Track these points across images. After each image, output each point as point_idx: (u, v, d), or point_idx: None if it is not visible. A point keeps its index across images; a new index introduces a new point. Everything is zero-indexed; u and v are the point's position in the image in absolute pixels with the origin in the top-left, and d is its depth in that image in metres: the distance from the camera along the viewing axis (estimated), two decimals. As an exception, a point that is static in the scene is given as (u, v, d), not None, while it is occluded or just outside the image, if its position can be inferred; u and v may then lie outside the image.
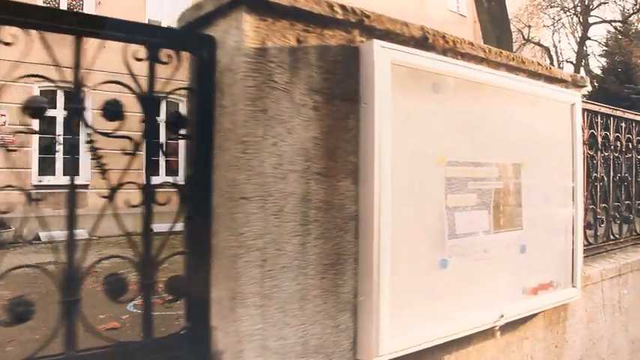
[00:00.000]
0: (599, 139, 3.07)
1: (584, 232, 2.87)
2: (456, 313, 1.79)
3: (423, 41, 1.76)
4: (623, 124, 3.33)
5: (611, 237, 3.17)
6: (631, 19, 22.48)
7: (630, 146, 3.39)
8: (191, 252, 1.51)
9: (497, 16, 9.52)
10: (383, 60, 1.55)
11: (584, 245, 2.85)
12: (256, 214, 1.38)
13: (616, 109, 3.22)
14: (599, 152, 3.05)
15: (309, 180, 1.48)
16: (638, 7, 21.83)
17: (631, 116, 3.37)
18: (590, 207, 2.99)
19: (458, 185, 1.82)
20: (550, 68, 2.28)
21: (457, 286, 1.81)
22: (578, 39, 23.20)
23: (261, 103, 1.40)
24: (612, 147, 3.22)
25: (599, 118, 3.05)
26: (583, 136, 2.87)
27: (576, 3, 22.39)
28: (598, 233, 3.00)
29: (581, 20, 22.95)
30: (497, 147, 2.00)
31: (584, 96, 2.89)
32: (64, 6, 12.21)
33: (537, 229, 2.17)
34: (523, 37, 21.54)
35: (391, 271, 1.57)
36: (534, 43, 22.58)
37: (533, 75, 2.19)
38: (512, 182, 2.06)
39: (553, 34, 24.87)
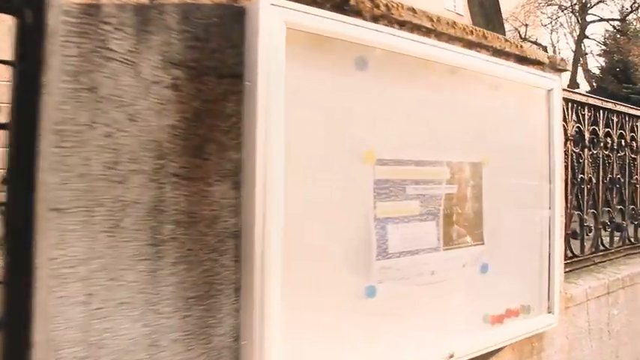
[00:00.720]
0: (587, 135, 2.65)
1: (568, 243, 2.45)
2: (389, 356, 1.36)
3: (342, 4, 1.34)
4: (615, 118, 2.91)
5: (601, 247, 2.74)
6: (629, 17, 22.08)
7: (623, 143, 2.96)
8: (9, 282, 1.09)
9: (490, 11, 9.10)
10: (273, 23, 1.14)
11: (568, 258, 2.43)
12: (77, 231, 0.97)
13: (607, 101, 2.80)
14: (586, 150, 2.63)
15: (162, 184, 1.07)
16: (636, 5, 21.44)
17: (623, 109, 2.95)
18: (576, 213, 2.56)
19: (392, 190, 1.40)
20: (521, 46, 1.86)
21: (390, 321, 1.40)
22: (576, 38, 22.80)
23: (87, 78, 0.99)
24: (602, 144, 2.80)
25: (586, 110, 2.63)
26: (567, 130, 2.45)
27: (574, 1, 22.00)
28: (585, 243, 2.58)
29: (579, 19, 22.56)
30: (449, 141, 1.58)
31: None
32: None
33: (503, 242, 1.75)
34: (520, 35, 21.13)
35: (289, 304, 1.15)
36: (531, 42, 22.17)
37: (500, 53, 1.77)
38: (471, 186, 1.63)
39: (551, 32, 24.47)
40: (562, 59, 2.01)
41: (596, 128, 2.75)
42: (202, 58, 1.14)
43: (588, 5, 22.15)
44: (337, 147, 1.31)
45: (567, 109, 2.46)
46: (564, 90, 2.41)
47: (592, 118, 2.71)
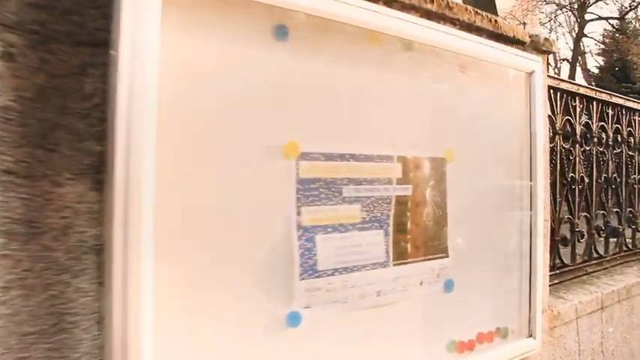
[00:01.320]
0: (578, 129, 2.35)
1: (557, 251, 2.15)
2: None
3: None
4: (610, 111, 2.61)
5: (594, 255, 2.44)
6: (628, 16, 21.79)
7: (619, 139, 2.66)
8: None
9: (484, 4, 8.80)
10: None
11: (557, 268, 2.14)
12: None
13: (600, 91, 2.51)
14: (577, 146, 2.33)
15: (-19, 184, 0.77)
16: (635, 4, 21.15)
17: (620, 101, 2.65)
18: (566, 217, 2.26)
19: (323, 192, 1.11)
20: (495, 21, 1.56)
21: (321, 356, 1.10)
22: (575, 37, 22.50)
23: None
24: (596, 139, 2.50)
25: (577, 101, 2.33)
26: (555, 123, 2.15)
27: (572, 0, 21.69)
28: (576, 251, 2.28)
29: (578, 18, 22.26)
30: (402, 132, 1.28)
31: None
32: None
33: (473, 253, 1.45)
34: (517, 34, 20.77)
35: (174, 336, 0.85)
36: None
37: (469, 28, 1.48)
38: (431, 186, 1.34)
39: (550, 32, 24.14)
40: (547, 39, 1.72)
41: (589, 122, 2.45)
42: (51, 20, 0.85)
43: (587, 4, 21.87)
44: (247, 137, 1.01)
45: (555, 99, 2.17)
46: (552, 78, 2.12)
47: (584, 111, 2.42)
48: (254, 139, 1.03)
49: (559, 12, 22.32)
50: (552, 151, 2.08)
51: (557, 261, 2.18)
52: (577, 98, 2.36)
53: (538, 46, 1.70)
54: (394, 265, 1.25)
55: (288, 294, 1.06)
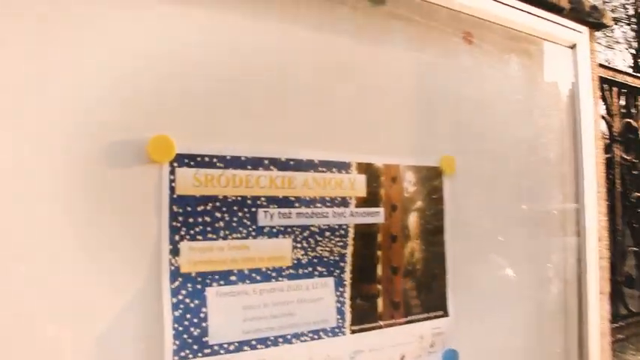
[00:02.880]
0: (644, 136, 1.82)
1: (621, 296, 1.61)
2: None
3: None
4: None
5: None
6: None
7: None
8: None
9: None
10: None
11: (621, 318, 1.59)
12: None
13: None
14: (643, 158, 1.79)
15: None
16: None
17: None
18: (631, 249, 1.72)
19: (220, 217, 0.68)
20: (519, -21, 1.10)
21: None
22: (635, 52, 21.22)
23: None
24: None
25: (642, 100, 1.80)
26: (611, 126, 1.64)
27: (630, 13, 20.54)
28: (647, 294, 1.73)
29: (637, 32, 21.02)
30: (365, 126, 0.84)
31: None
32: None
33: (488, 310, 0.97)
34: None
35: None
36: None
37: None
38: (417, 210, 0.88)
39: (606, 49, 22.90)
40: (594, 5, 1.23)
41: (658, 127, 1.91)
42: None
43: (647, 16, 20.68)
44: (82, 131, 0.60)
45: (611, 96, 1.65)
46: (606, 68, 1.61)
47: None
48: (97, 134, 0.62)
49: (615, 27, 21.16)
50: (609, 162, 1.57)
51: (622, 309, 1.64)
52: (641, 96, 1.83)
53: (582, 15, 1.22)
54: (353, 332, 0.79)
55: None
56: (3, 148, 0.56)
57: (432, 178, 0.92)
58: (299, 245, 0.76)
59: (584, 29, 1.17)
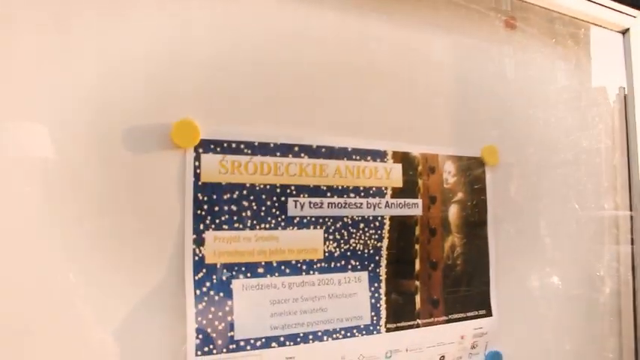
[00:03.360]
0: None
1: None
2: None
3: None
4: None
5: None
6: None
7: None
8: None
9: None
10: None
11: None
12: None
13: None
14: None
15: None
16: None
17: None
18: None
19: (247, 207, 0.64)
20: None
21: None
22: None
23: None
24: None
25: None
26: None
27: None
28: None
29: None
30: (402, 114, 0.79)
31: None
32: None
33: (535, 310, 0.91)
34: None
35: None
36: None
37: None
38: (458, 202, 0.83)
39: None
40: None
41: None
42: None
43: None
44: (103, 115, 0.58)
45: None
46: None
47: None
48: (118, 115, 0.59)
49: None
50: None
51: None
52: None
53: (636, -2, 1.14)
54: (388, 330, 0.75)
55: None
56: (24, 133, 0.54)
57: (473, 169, 0.87)
58: (331, 237, 0.71)
59: (638, 13, 1.09)
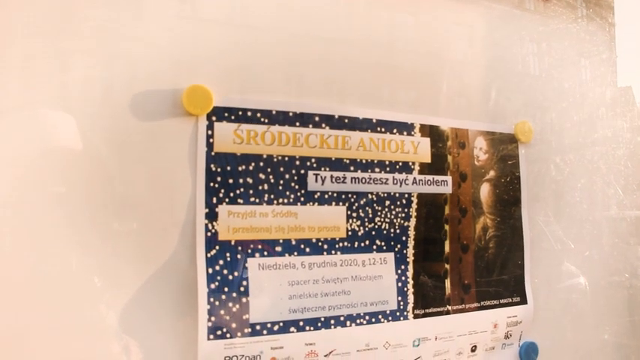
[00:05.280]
0: None
1: None
2: None
3: None
4: None
5: None
6: None
7: None
8: None
9: None
10: None
11: None
12: None
13: None
14: None
15: None
16: None
17: None
18: None
19: (264, 180, 0.59)
20: None
21: None
22: None
23: None
24: None
25: None
26: None
27: None
28: None
29: None
30: (430, 86, 0.74)
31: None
32: None
33: (572, 298, 0.84)
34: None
35: None
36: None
37: None
38: (490, 181, 0.77)
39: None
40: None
41: None
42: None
43: None
44: (113, 80, 0.53)
45: None
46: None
47: None
48: (127, 79, 0.55)
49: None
50: None
51: None
52: None
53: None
54: (416, 316, 0.69)
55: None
56: (42, 97, 0.50)
57: (506, 146, 0.80)
58: (355, 214, 0.66)
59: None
